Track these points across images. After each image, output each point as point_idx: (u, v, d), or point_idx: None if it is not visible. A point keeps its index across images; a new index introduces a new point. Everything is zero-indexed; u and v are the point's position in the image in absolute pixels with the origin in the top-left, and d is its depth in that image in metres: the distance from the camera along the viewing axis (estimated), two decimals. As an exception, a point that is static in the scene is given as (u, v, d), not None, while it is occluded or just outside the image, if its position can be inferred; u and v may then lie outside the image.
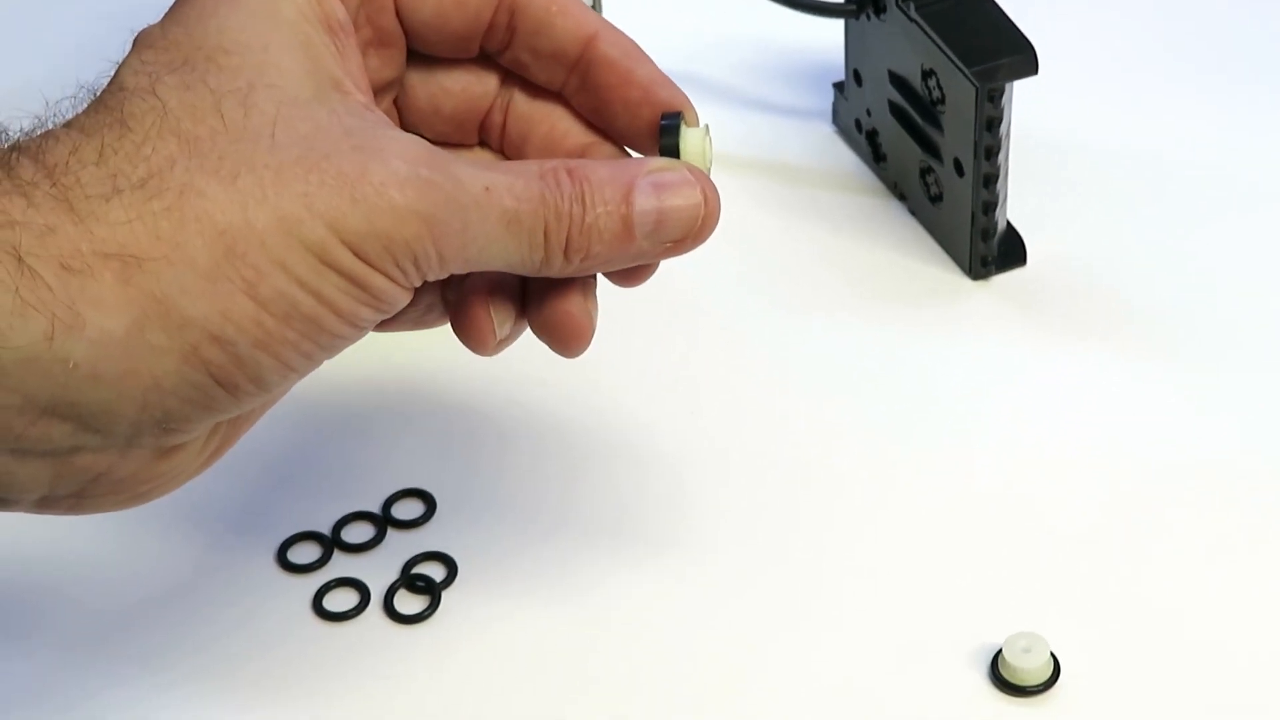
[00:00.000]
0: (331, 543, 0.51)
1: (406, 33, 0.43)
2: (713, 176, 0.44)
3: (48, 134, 0.37)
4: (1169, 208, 0.62)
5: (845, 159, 0.66)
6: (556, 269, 0.41)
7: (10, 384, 0.35)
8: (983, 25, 0.56)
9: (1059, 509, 0.51)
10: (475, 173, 0.39)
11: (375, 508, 0.52)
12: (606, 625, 0.48)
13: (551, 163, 0.41)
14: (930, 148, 0.60)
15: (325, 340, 0.38)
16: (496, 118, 0.45)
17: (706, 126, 0.43)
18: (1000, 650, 0.46)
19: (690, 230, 0.42)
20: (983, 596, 0.48)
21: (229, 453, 0.46)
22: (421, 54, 0.44)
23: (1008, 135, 0.57)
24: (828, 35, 0.66)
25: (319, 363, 0.38)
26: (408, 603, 0.49)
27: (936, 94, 0.58)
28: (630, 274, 0.43)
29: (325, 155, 0.37)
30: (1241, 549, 0.49)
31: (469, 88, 0.44)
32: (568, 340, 0.43)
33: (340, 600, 0.49)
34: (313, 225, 0.36)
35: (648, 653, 0.47)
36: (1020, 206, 0.60)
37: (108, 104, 0.37)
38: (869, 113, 0.64)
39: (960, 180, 0.58)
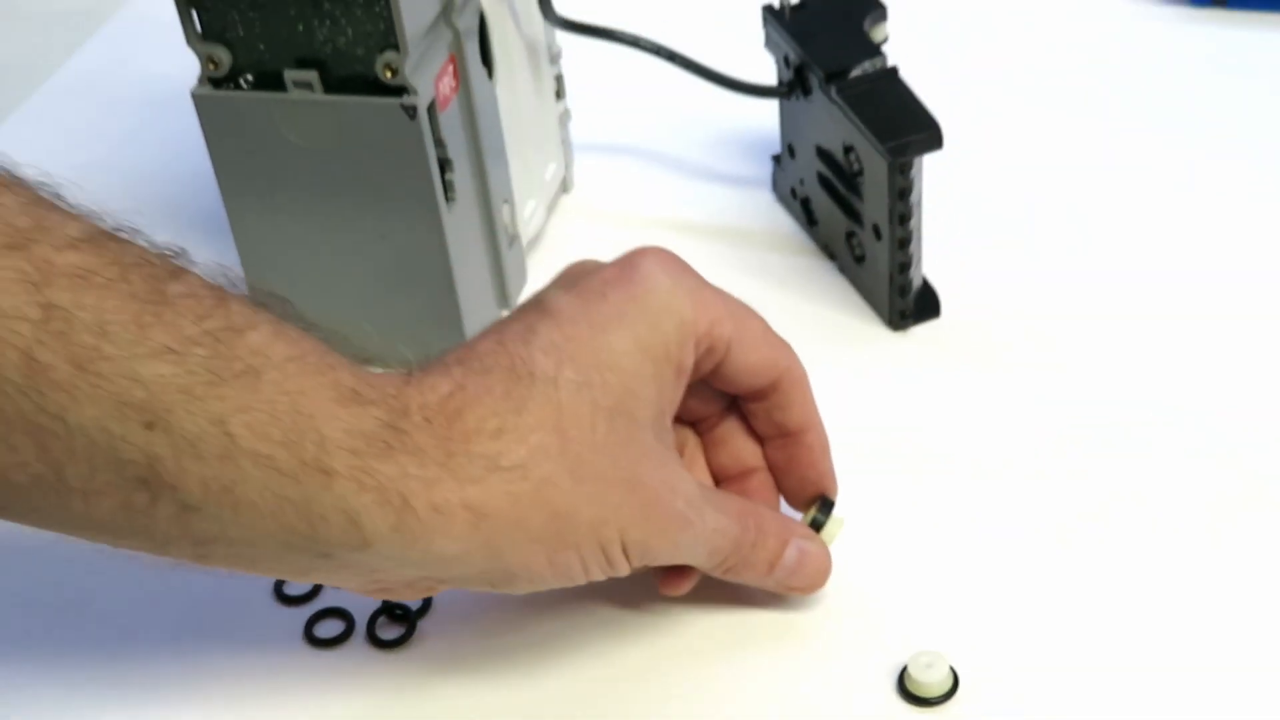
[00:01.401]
0: (323, 576, 0.51)
1: (710, 378, 0.48)
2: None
3: (464, 394, 0.42)
4: (1068, 262, 0.63)
5: (782, 223, 0.66)
6: (708, 572, 0.48)
7: (365, 563, 0.42)
8: (894, 105, 0.57)
9: (960, 535, 0.51)
10: (713, 516, 0.46)
11: (362, 544, 0.52)
12: (565, 647, 0.49)
13: (751, 508, 0.48)
14: (853, 214, 0.60)
15: (568, 583, 0.45)
16: (711, 424, 0.51)
17: (843, 519, 0.50)
18: (906, 666, 0.47)
19: (806, 588, 0.50)
20: (891, 619, 0.49)
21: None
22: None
23: (919, 203, 0.57)
24: (765, 114, 0.67)
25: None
26: (387, 630, 0.49)
27: (856, 166, 0.59)
28: (679, 586, 0.49)
29: (641, 482, 0.44)
30: (1129, 569, 0.50)
31: (707, 405, 0.50)
32: (664, 589, 0.49)
33: (328, 628, 0.50)
34: (611, 531, 0.44)
35: (600, 670, 0.48)
36: (935, 264, 0.61)
37: (518, 373, 0.43)
38: (802, 182, 0.65)
39: (879, 243, 0.59)
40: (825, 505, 0.49)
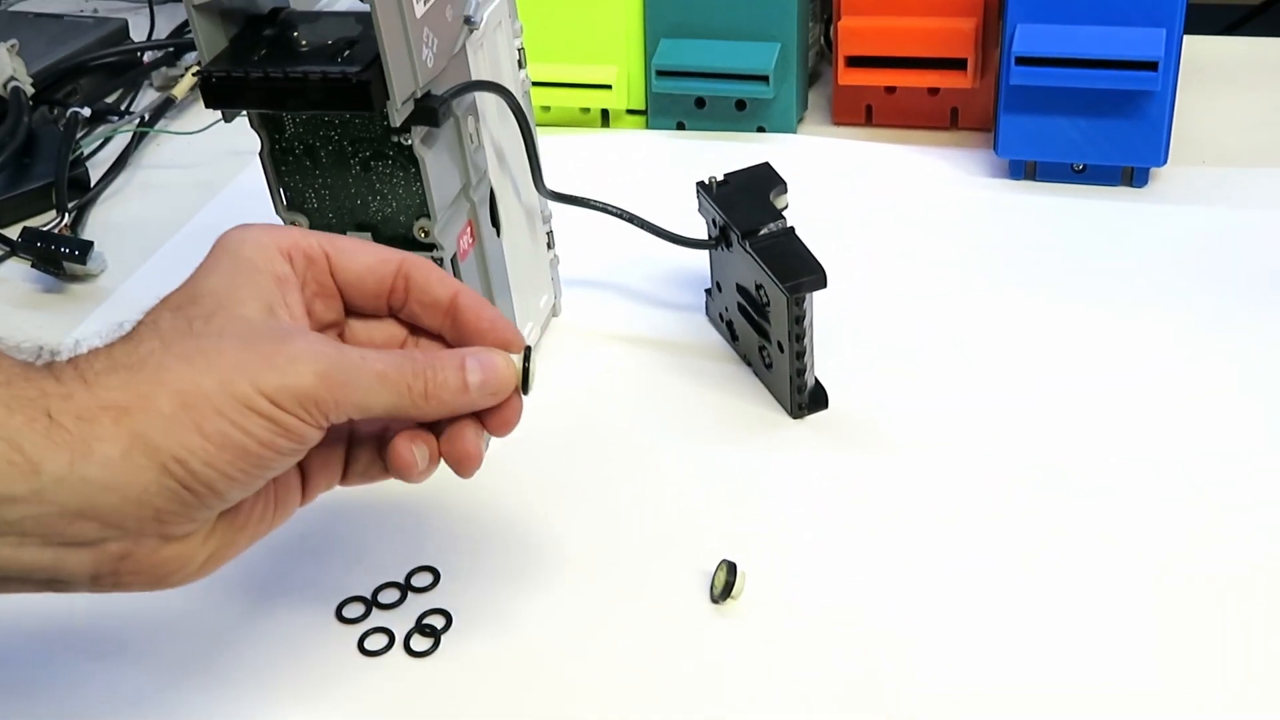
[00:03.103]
0: (370, 602, 0.52)
1: (340, 289, 0.45)
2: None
3: (84, 348, 0.40)
4: (922, 368, 0.64)
5: (712, 338, 0.67)
6: (423, 412, 0.42)
7: (49, 498, 0.37)
8: (792, 256, 0.59)
9: (783, 537, 0.54)
10: (359, 350, 0.41)
11: (400, 578, 0.53)
12: (543, 652, 0.50)
13: (419, 349, 0.42)
14: (763, 333, 0.62)
15: (254, 461, 0.39)
16: (401, 345, 0.47)
17: (528, 348, 0.45)
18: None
19: (503, 387, 0.43)
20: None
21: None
22: (359, 312, 0.45)
23: (811, 325, 0.59)
24: (699, 260, 0.68)
25: (257, 478, 0.39)
26: (419, 643, 0.50)
27: (765, 299, 0.60)
28: (497, 425, 0.44)
29: (254, 342, 0.39)
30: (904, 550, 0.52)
31: (390, 335, 0.46)
32: (462, 465, 0.44)
33: (375, 642, 0.50)
34: (242, 384, 0.38)
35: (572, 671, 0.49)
36: (824, 368, 0.62)
37: (125, 329, 0.40)
38: (726, 309, 0.66)
39: (782, 355, 0.60)
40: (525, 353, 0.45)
